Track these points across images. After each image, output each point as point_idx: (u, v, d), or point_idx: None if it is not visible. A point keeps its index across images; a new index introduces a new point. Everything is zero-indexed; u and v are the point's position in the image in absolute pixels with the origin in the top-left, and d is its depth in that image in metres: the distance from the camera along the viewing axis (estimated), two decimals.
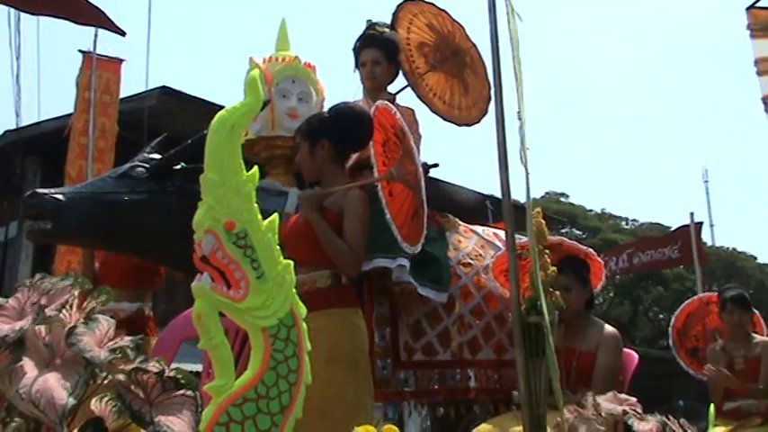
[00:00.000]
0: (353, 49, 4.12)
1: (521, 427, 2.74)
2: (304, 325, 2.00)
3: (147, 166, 3.43)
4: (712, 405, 4.84)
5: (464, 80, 4.37)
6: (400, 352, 3.57)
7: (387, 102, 3.46)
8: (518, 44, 2.78)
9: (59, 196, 3.21)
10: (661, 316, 25.01)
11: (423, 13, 4.33)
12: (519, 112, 2.60)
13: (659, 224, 25.59)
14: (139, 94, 9.75)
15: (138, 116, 8.25)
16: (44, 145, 10.02)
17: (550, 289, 2.76)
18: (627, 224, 27.85)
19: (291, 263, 2.00)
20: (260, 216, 1.95)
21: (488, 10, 2.82)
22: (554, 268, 2.80)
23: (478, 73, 4.36)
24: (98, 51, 7.60)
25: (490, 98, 4.18)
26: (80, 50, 7.68)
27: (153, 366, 1.66)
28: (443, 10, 4.36)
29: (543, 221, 2.84)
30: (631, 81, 54.92)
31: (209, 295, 1.78)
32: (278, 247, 1.99)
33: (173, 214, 3.22)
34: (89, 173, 6.14)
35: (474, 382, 3.76)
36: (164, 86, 9.95)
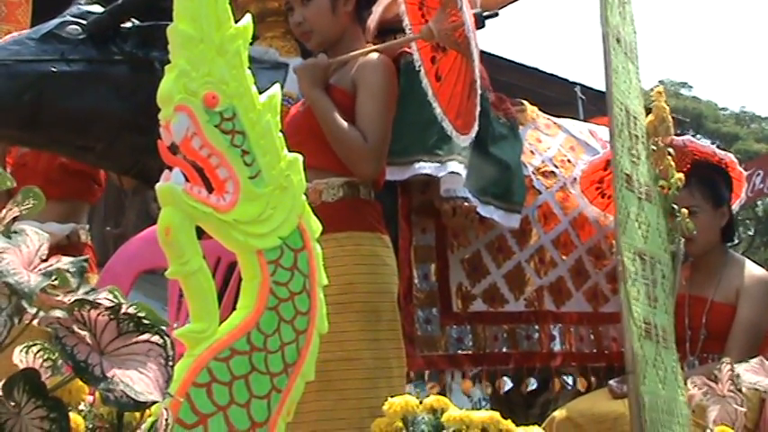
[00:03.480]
0: None
1: (624, 408, 2.77)
2: (318, 248, 2.01)
3: (84, 23, 3.42)
4: None
5: None
6: (452, 299, 3.61)
7: None
8: None
9: None
10: None
11: None
12: None
13: None
14: None
15: None
16: None
17: (674, 206, 2.75)
18: None
19: (299, 158, 2.00)
20: (255, 89, 1.95)
21: None
22: (680, 175, 2.78)
23: None
24: None
25: None
26: None
27: (104, 299, 1.66)
28: None
29: (666, 107, 2.81)
30: None
31: (182, 200, 1.77)
32: (281, 135, 1.99)
33: (121, 93, 3.23)
34: None
35: (559, 344, 3.80)
36: None
